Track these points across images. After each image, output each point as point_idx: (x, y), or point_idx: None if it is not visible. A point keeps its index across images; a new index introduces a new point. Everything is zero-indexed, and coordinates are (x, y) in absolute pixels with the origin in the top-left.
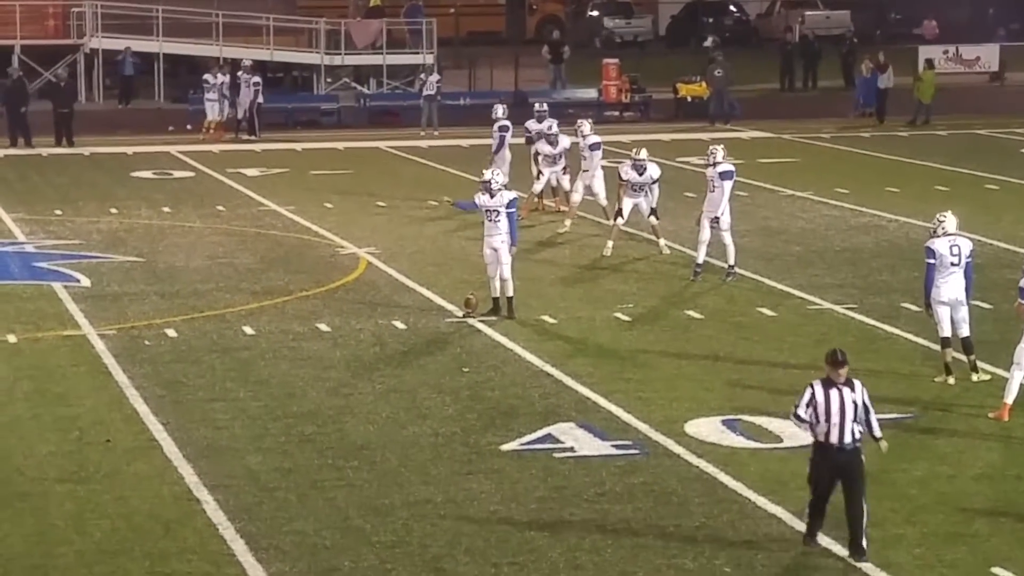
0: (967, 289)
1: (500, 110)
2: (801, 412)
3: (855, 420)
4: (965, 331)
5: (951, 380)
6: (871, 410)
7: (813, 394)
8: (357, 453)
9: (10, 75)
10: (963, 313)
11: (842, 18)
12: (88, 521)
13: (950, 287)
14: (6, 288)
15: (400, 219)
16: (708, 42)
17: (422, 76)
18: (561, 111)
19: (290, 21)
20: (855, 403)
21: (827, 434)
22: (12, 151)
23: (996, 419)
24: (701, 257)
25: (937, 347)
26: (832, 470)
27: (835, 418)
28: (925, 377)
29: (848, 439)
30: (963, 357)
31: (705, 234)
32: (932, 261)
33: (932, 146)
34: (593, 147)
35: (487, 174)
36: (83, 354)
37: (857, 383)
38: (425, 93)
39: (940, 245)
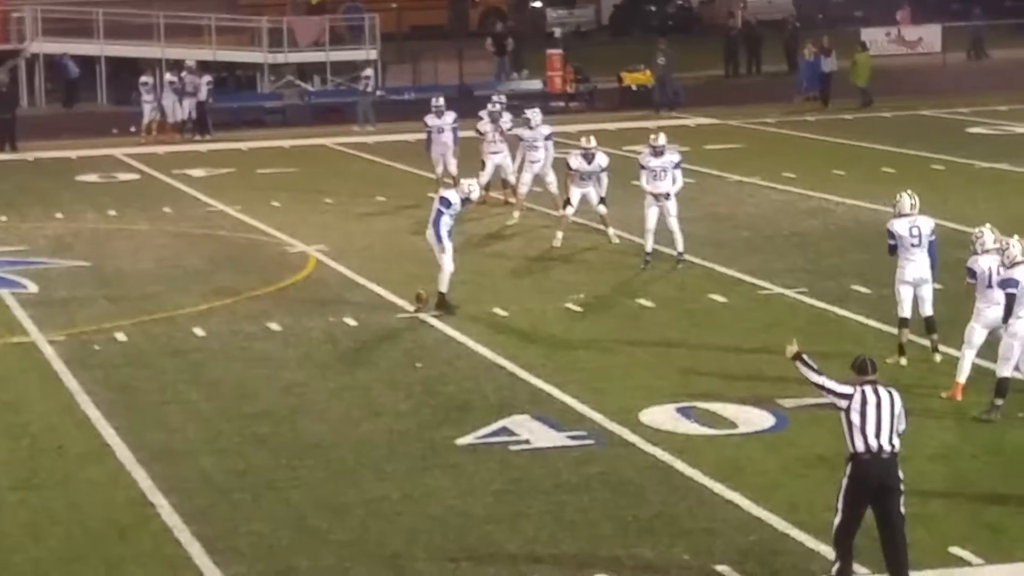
0: (932, 268)
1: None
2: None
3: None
4: (929, 310)
5: (903, 361)
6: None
7: (857, 395)
8: (312, 452)
9: (1, 83)
10: (927, 292)
11: (784, 3)
12: (42, 528)
13: (913, 267)
14: None
15: (348, 216)
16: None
17: (364, 74)
18: (506, 100)
19: (232, 20)
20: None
21: (869, 440)
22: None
23: (949, 399)
24: (649, 245)
25: (889, 328)
26: (873, 483)
27: (884, 422)
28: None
29: (888, 446)
30: (919, 339)
31: (651, 223)
32: (892, 242)
33: (877, 128)
34: (547, 137)
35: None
36: (32, 360)
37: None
38: (360, 89)
39: (899, 226)
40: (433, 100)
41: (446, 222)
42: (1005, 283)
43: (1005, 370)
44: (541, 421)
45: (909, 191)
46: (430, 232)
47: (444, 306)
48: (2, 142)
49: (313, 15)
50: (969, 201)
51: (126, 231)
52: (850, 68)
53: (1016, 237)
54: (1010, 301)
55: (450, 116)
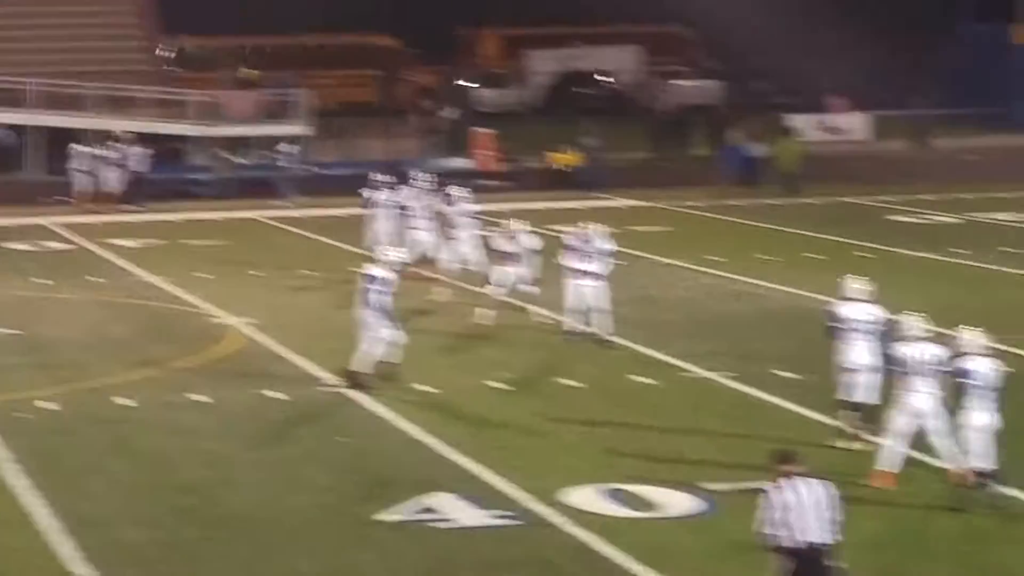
0: (875, 354)
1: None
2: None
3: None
4: (866, 397)
5: (856, 445)
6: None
7: (772, 498)
8: (235, 525)
9: None
10: (868, 379)
11: (712, 88)
12: None
13: (857, 352)
14: None
15: (275, 289)
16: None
17: (278, 148)
18: (434, 178)
19: (164, 93)
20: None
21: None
22: None
23: (876, 487)
24: (575, 324)
25: (813, 414)
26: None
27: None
28: (797, 444)
29: (828, 538)
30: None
31: (574, 301)
32: (833, 324)
33: (802, 214)
34: (467, 214)
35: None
36: None
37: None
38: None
39: (846, 310)
40: (370, 175)
41: (381, 298)
42: (958, 373)
43: (982, 462)
44: (465, 499)
45: (853, 276)
46: (364, 310)
47: (359, 381)
48: None
49: (244, 90)
50: (894, 288)
51: (55, 299)
52: (774, 153)
53: (964, 328)
54: (960, 390)
55: (386, 192)
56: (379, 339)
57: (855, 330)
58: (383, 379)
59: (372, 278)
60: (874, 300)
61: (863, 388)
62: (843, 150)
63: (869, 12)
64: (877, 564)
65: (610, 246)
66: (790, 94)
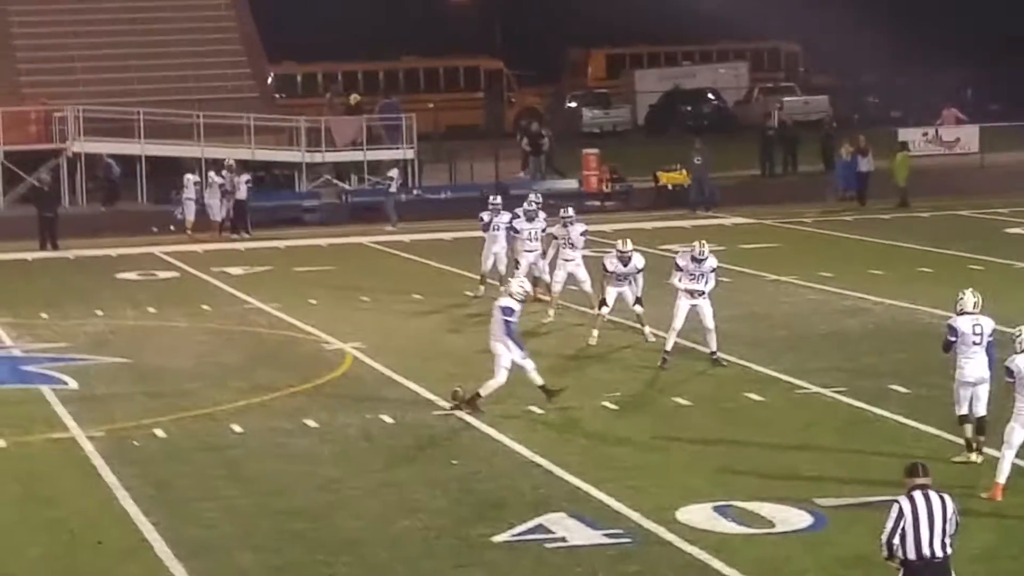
0: (990, 367)
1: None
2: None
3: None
4: (982, 410)
5: (974, 457)
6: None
7: (901, 510)
8: (348, 549)
9: (43, 183)
10: (983, 392)
11: (820, 103)
12: None
13: (973, 366)
14: None
15: (385, 313)
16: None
17: (388, 174)
18: (543, 202)
19: (270, 120)
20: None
21: (922, 547)
22: (41, 254)
23: (989, 499)
24: (671, 344)
25: (928, 428)
26: None
27: (936, 528)
28: (916, 459)
29: (940, 552)
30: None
31: (679, 321)
32: (952, 339)
33: (914, 228)
34: (581, 235)
35: None
36: (72, 456)
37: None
38: (385, 188)
39: (962, 323)
40: (491, 197)
41: (513, 328)
42: None
43: None
44: (577, 519)
45: (972, 290)
46: (497, 343)
47: (549, 392)
48: (44, 240)
49: (350, 116)
50: (1009, 301)
51: (165, 328)
52: (890, 167)
53: None
54: None
55: (505, 215)
56: (512, 367)
57: (972, 344)
58: (549, 400)
59: (507, 309)
60: (987, 313)
61: (979, 401)
62: (954, 163)
63: (978, 23)
64: (990, 574)
65: (714, 263)
66: (899, 107)
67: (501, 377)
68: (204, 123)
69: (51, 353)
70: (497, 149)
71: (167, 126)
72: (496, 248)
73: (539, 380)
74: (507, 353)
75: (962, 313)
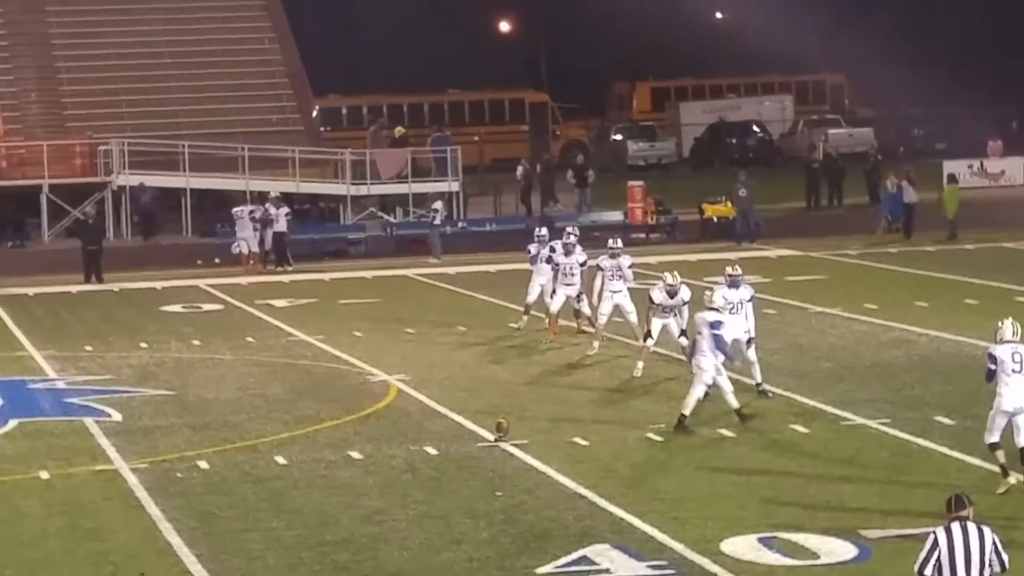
0: None
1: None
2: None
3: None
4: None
5: (1012, 479)
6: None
7: (936, 541)
8: None
9: (87, 216)
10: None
11: (865, 135)
12: None
13: (1012, 395)
14: (38, 424)
15: (429, 345)
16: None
17: (433, 207)
18: (587, 234)
19: (315, 153)
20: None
21: None
22: (86, 287)
23: None
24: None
25: (974, 460)
26: None
27: (974, 560)
28: (961, 490)
29: None
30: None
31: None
32: (992, 367)
33: (960, 260)
34: (620, 267)
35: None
36: (115, 488)
37: (986, 529)
38: (429, 220)
39: (1002, 352)
40: (537, 229)
41: (723, 341)
42: None
43: None
44: (622, 550)
45: (1012, 318)
46: (702, 358)
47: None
48: (89, 273)
49: (396, 148)
50: None
51: (209, 360)
52: (938, 200)
53: None
54: None
55: (546, 246)
56: (713, 384)
57: (1012, 372)
58: (742, 422)
59: (716, 323)
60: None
61: (1021, 431)
62: (1000, 195)
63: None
64: None
65: (687, 295)
66: (944, 140)
67: (698, 391)
68: (249, 156)
69: (95, 385)
70: (542, 181)
71: (212, 160)
72: (542, 280)
73: (735, 403)
74: (711, 370)
75: (1002, 341)
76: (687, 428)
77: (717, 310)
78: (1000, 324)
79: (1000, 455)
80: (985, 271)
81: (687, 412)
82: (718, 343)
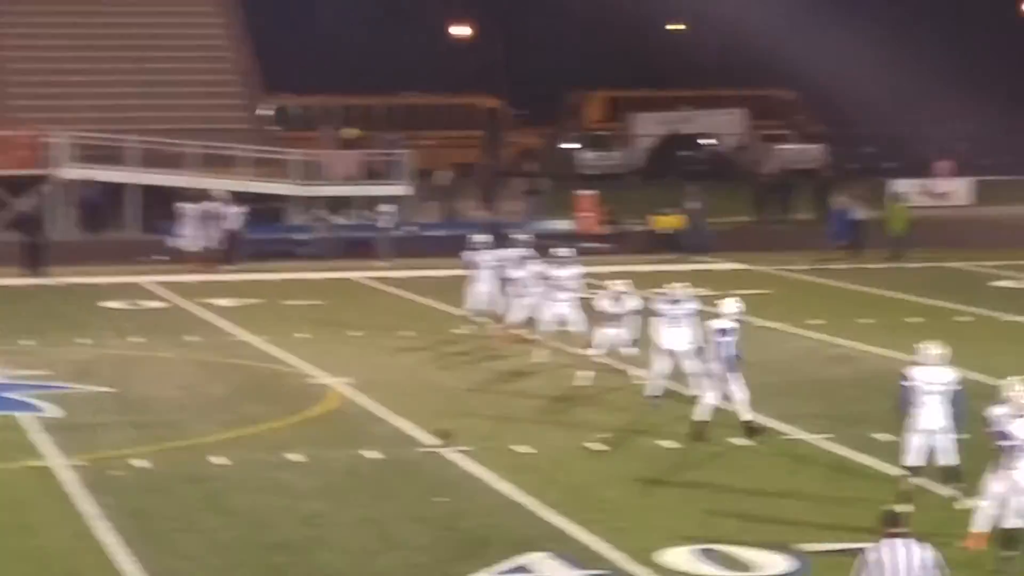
0: (957, 418)
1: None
2: None
3: None
4: (947, 460)
5: (908, 508)
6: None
7: (865, 560)
8: None
9: (29, 208)
10: (945, 442)
11: (816, 152)
12: None
13: (927, 415)
14: None
15: (374, 349)
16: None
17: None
18: (537, 242)
19: (262, 152)
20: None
21: None
22: (26, 280)
23: (964, 548)
24: (660, 389)
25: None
26: None
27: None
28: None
29: None
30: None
31: (664, 368)
32: (907, 386)
33: (905, 278)
34: (568, 276)
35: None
36: (50, 485)
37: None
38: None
39: (918, 373)
40: (474, 236)
41: (730, 350)
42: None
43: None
44: (560, 559)
45: (932, 342)
46: (713, 363)
47: (754, 431)
48: (29, 266)
49: (345, 150)
50: (992, 353)
51: (151, 358)
52: (885, 218)
53: None
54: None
55: (490, 254)
56: (724, 391)
57: (929, 393)
58: (749, 435)
59: (722, 331)
60: (949, 363)
61: (941, 451)
62: (947, 215)
63: (976, 78)
64: None
65: (696, 306)
66: (894, 158)
67: (741, 393)
68: (197, 153)
69: (33, 380)
70: (493, 188)
71: (159, 156)
72: (483, 286)
73: (704, 407)
74: (724, 376)
75: (919, 364)
76: (704, 436)
77: (726, 317)
78: (920, 346)
79: (907, 482)
80: (929, 290)
81: (701, 419)
82: (723, 350)
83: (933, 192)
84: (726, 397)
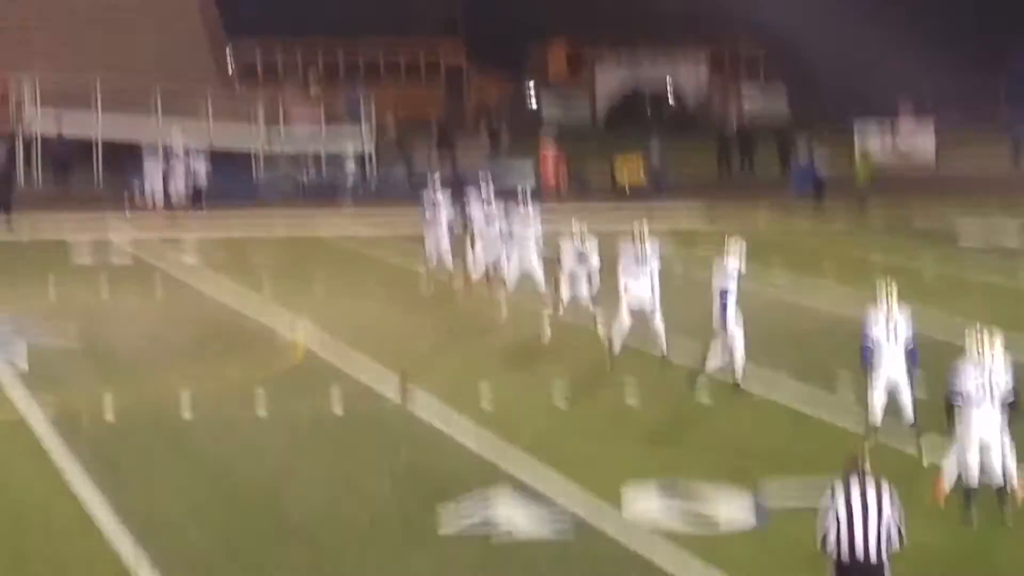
0: (910, 371)
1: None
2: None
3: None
4: (909, 415)
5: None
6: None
7: (835, 508)
8: (295, 533)
9: None
10: (905, 397)
11: (779, 105)
12: None
13: (887, 370)
14: None
15: (339, 301)
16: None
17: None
18: (499, 193)
19: (230, 103)
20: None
21: (856, 548)
22: None
23: (933, 501)
24: (618, 347)
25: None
26: None
27: (871, 527)
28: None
29: (875, 554)
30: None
31: (626, 324)
32: (868, 343)
33: (869, 231)
34: (530, 228)
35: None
36: (20, 437)
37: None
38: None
39: (878, 328)
40: (429, 187)
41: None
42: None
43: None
44: (523, 510)
45: (887, 292)
46: (721, 320)
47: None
48: None
49: (310, 102)
50: (956, 308)
51: (118, 310)
52: (853, 170)
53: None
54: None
55: (446, 207)
56: (730, 348)
57: (890, 348)
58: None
59: (724, 291)
60: (909, 316)
61: (903, 406)
62: (911, 168)
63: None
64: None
65: (658, 259)
66: (860, 111)
67: (740, 352)
68: (162, 103)
69: (1, 333)
70: (454, 140)
71: (124, 105)
72: (438, 236)
73: (713, 367)
74: (731, 331)
75: (877, 318)
76: (742, 389)
77: (729, 276)
78: (878, 299)
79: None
80: (893, 243)
81: (708, 370)
82: (724, 309)
83: (898, 145)
84: (728, 353)
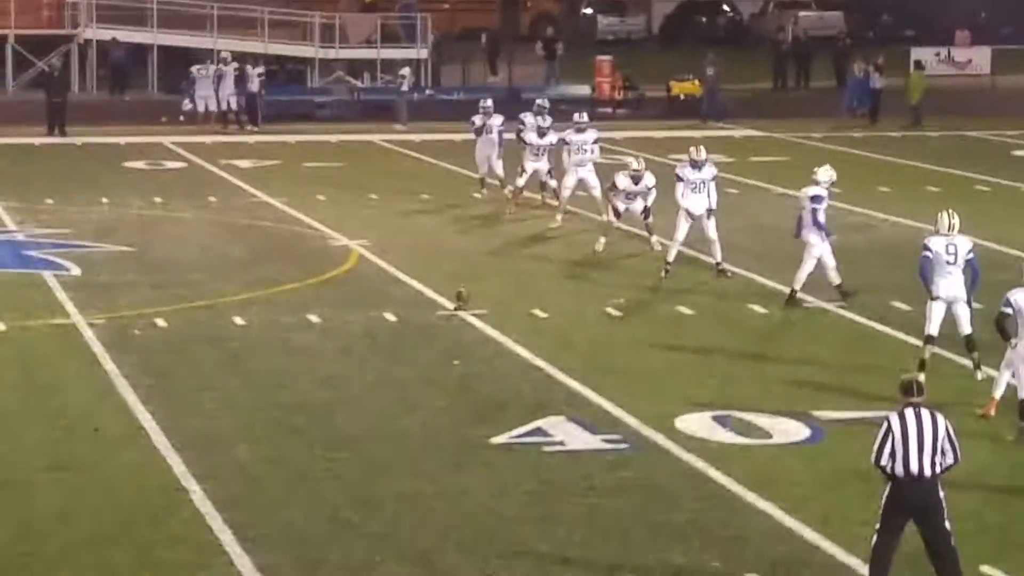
0: (969, 287)
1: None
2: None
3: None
4: (967, 329)
5: (920, 377)
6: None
7: (890, 427)
8: (346, 445)
9: (52, 68)
10: (963, 311)
11: (835, 19)
12: (74, 511)
13: (947, 284)
14: None
15: (392, 212)
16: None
17: (401, 73)
18: (554, 107)
19: (285, 14)
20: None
21: (910, 464)
22: (49, 139)
23: (983, 416)
24: (672, 255)
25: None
26: (913, 505)
27: (926, 446)
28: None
29: (928, 470)
30: (958, 358)
31: (681, 235)
32: (928, 255)
33: (923, 147)
34: (594, 142)
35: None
36: (72, 343)
37: (939, 416)
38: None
39: (936, 243)
40: (481, 101)
41: (820, 217)
42: None
43: None
44: (576, 423)
45: (950, 210)
46: (811, 232)
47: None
48: (52, 126)
49: (366, 12)
50: (1012, 223)
51: (171, 219)
52: (904, 86)
53: None
54: None
55: (498, 119)
56: (820, 258)
57: (945, 263)
58: (844, 300)
59: (816, 198)
60: (966, 232)
61: (961, 320)
62: (966, 84)
63: None
64: (980, 493)
65: (714, 171)
66: (914, 26)
67: (809, 265)
68: (218, 15)
69: (55, 239)
70: (511, 52)
71: (181, 16)
72: (489, 151)
73: (837, 279)
74: (820, 244)
75: (937, 233)
76: (798, 301)
77: (819, 184)
78: (937, 216)
79: (927, 350)
80: (948, 159)
81: (798, 287)
82: (816, 218)
83: (953, 61)
84: (820, 264)
